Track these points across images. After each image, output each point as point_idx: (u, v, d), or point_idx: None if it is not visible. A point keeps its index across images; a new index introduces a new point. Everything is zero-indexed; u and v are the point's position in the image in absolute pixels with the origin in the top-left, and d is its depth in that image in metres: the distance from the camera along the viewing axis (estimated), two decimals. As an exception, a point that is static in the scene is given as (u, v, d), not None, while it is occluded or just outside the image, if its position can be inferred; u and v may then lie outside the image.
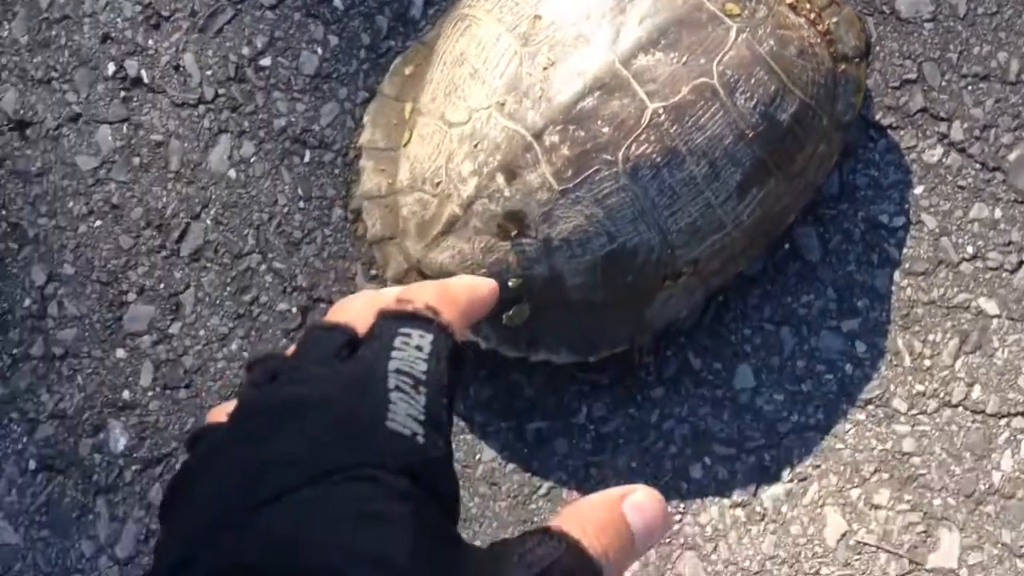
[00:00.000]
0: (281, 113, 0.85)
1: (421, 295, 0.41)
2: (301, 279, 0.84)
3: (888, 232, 0.79)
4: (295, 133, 0.85)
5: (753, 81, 0.64)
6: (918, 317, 0.78)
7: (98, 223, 0.86)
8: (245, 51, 0.86)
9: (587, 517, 0.41)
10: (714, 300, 0.76)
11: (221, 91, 0.86)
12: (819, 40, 0.67)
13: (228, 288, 0.85)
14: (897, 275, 0.78)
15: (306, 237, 0.85)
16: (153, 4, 0.87)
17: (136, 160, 0.86)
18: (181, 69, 0.86)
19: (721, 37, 0.63)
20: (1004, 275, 0.78)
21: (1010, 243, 0.78)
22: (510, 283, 0.67)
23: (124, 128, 0.87)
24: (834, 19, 0.68)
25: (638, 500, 0.42)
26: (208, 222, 0.85)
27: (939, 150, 0.79)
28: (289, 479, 0.36)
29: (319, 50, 0.85)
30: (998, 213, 0.78)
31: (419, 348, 0.40)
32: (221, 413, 0.40)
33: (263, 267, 0.85)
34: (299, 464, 0.36)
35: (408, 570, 0.34)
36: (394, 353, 0.40)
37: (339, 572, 0.34)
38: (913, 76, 0.79)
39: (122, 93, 0.87)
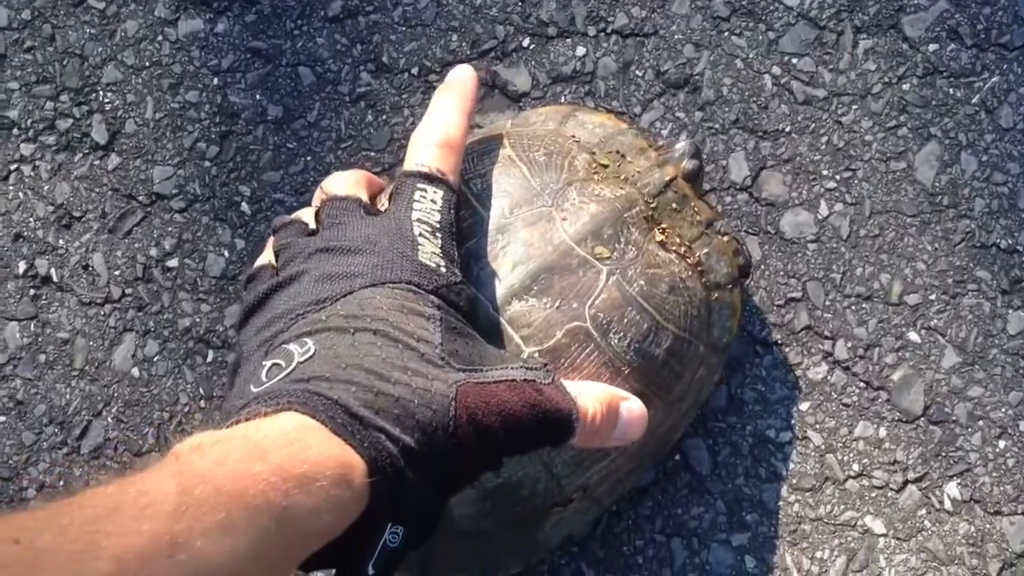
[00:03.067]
0: (186, 313, 0.90)
1: (428, 159, 0.60)
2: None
3: (775, 447, 0.83)
4: (199, 333, 0.89)
5: (625, 321, 0.68)
6: (806, 533, 0.81)
7: (2, 419, 0.90)
8: (153, 252, 0.90)
9: (593, 390, 0.59)
10: (605, 511, 0.80)
11: (128, 291, 0.90)
12: (690, 273, 0.71)
13: (128, 488, 0.88)
14: (784, 490, 0.82)
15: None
16: (65, 204, 0.92)
17: (42, 357, 0.90)
18: (90, 269, 0.91)
19: (592, 280, 0.67)
20: (889, 494, 0.81)
21: (895, 462, 0.81)
22: None
23: (32, 325, 0.91)
24: (704, 250, 0.73)
25: (632, 404, 0.62)
26: (109, 420, 0.89)
27: (824, 368, 0.83)
28: (354, 284, 0.53)
29: (226, 252, 0.90)
30: (883, 432, 0.82)
31: (433, 201, 0.59)
32: (264, 259, 0.61)
33: (163, 467, 0.88)
34: (360, 276, 0.54)
35: (440, 344, 0.52)
36: (415, 205, 0.58)
37: (387, 331, 0.51)
38: (798, 295, 0.84)
39: (31, 291, 0.91)
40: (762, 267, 0.85)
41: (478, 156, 0.72)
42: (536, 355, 0.66)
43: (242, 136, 0.90)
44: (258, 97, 0.91)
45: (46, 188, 0.92)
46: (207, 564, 0.40)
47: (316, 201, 0.64)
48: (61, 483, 0.88)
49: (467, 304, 0.59)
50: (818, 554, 0.81)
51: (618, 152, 0.74)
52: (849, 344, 0.84)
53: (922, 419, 0.82)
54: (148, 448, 0.88)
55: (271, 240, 0.65)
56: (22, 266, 0.92)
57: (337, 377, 0.50)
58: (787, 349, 0.84)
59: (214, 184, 0.91)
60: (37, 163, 0.93)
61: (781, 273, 0.85)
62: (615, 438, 0.62)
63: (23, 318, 0.91)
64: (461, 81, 0.67)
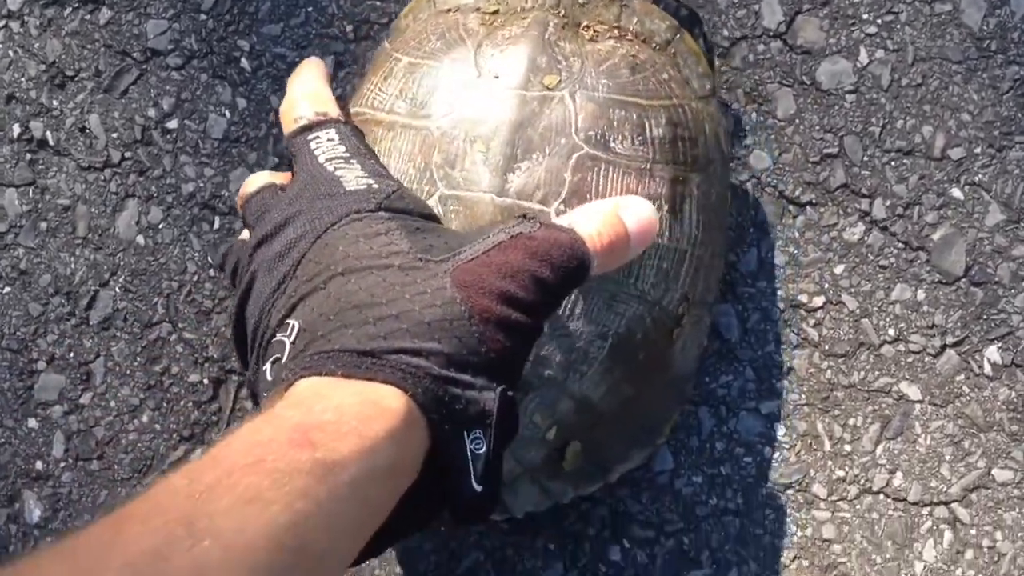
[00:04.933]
0: (189, 178, 0.88)
1: (303, 111, 0.61)
2: (212, 350, 0.87)
3: (807, 312, 0.81)
4: (204, 199, 0.88)
5: (616, 123, 0.66)
6: (838, 400, 0.81)
7: (7, 290, 0.90)
8: (151, 113, 0.88)
9: (588, 218, 0.57)
10: (715, 310, 0.79)
11: (128, 154, 0.89)
12: (636, 46, 0.69)
13: (138, 358, 0.88)
14: (816, 357, 0.81)
15: (217, 307, 0.88)
16: (57, 63, 0.89)
17: (43, 225, 0.89)
18: (87, 131, 0.89)
19: (561, 110, 0.66)
20: (927, 359, 0.80)
21: (933, 326, 0.80)
22: (549, 436, 0.70)
23: (31, 192, 0.90)
24: (633, 20, 0.71)
25: (631, 204, 0.59)
26: (117, 290, 0.89)
27: (860, 228, 0.81)
28: (302, 247, 0.54)
29: (227, 113, 0.88)
30: (921, 295, 0.80)
31: (331, 140, 0.60)
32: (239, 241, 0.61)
33: (173, 337, 0.88)
34: (302, 238, 0.54)
35: (410, 248, 0.52)
36: (316, 152, 0.59)
37: (355, 266, 0.52)
38: (834, 150, 0.81)
39: (28, 156, 0.90)
40: (796, 121, 0.82)
41: (382, 80, 0.71)
42: (562, 207, 0.65)
43: (239, -14, 0.87)
44: (254, -57, 0.87)
45: (36, 45, 0.90)
46: (232, 544, 0.39)
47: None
48: (71, 355, 0.88)
49: (416, 204, 0.58)
50: (851, 421, 0.81)
51: None
52: (888, 202, 0.81)
53: (963, 280, 0.81)
54: (159, 319, 0.88)
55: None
56: (16, 129, 0.90)
57: (330, 329, 0.50)
58: (822, 209, 0.82)
59: (211, 38, 0.88)
60: (26, 18, 0.90)
61: (817, 127, 0.82)
62: (635, 244, 0.60)
63: (21, 184, 0.90)
64: (309, 61, 0.67)
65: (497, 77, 0.67)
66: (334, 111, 0.63)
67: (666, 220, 0.69)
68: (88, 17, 0.90)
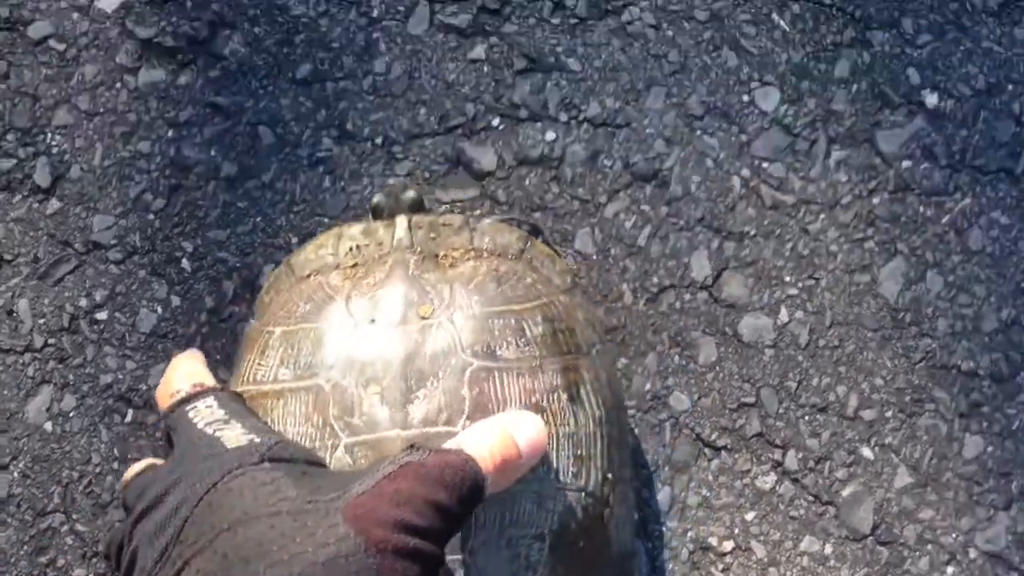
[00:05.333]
0: (109, 369, 0.94)
1: (180, 385, 0.66)
2: (103, 545, 0.90)
3: (716, 556, 0.87)
4: (120, 391, 0.93)
5: (496, 333, 0.71)
6: (741, 651, 0.85)
7: None
8: (83, 303, 0.95)
9: (477, 438, 0.61)
10: (638, 487, 0.83)
11: (51, 341, 0.95)
12: (494, 262, 0.76)
13: (25, 547, 0.91)
14: (722, 604, 0.86)
15: (114, 500, 0.91)
16: (-4, 245, 0.97)
17: (-50, 402, 0.94)
18: (14, 314, 0.95)
19: (443, 334, 0.71)
20: (831, 615, 0.86)
21: (839, 581, 0.86)
22: None
23: (-57, 367, 0.95)
24: (485, 239, 0.78)
25: (518, 419, 0.64)
26: (15, 474, 0.92)
27: (772, 477, 0.88)
28: (182, 513, 0.56)
29: (159, 309, 0.95)
30: (828, 549, 0.87)
31: (208, 406, 0.63)
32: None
33: (65, 528, 0.91)
34: (183, 504, 0.56)
35: (297, 495, 0.55)
36: (195, 421, 0.62)
37: (243, 520, 0.54)
38: (751, 400, 0.90)
39: (-52, 331, 0.95)
40: (717, 368, 0.91)
41: (259, 355, 0.76)
42: (468, 423, 0.69)
43: (192, 191, 0.96)
44: (213, 153, 0.97)
45: (-22, 226, 0.98)
46: None
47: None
48: (-47, 538, 0.91)
49: (301, 452, 0.61)
50: (753, 674, 0.85)
51: (354, 247, 0.80)
52: (800, 455, 0.89)
53: (870, 538, 0.88)
54: (53, 508, 0.92)
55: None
56: None
57: None
58: (736, 455, 0.89)
59: (156, 237, 0.96)
60: (-28, 201, 0.98)
61: (736, 376, 0.91)
62: (526, 458, 0.63)
63: (-65, 359, 0.95)
64: (188, 352, 0.73)
65: (374, 321, 0.73)
66: (210, 382, 0.66)
67: (568, 408, 0.73)
68: (36, 206, 0.98)
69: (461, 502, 0.57)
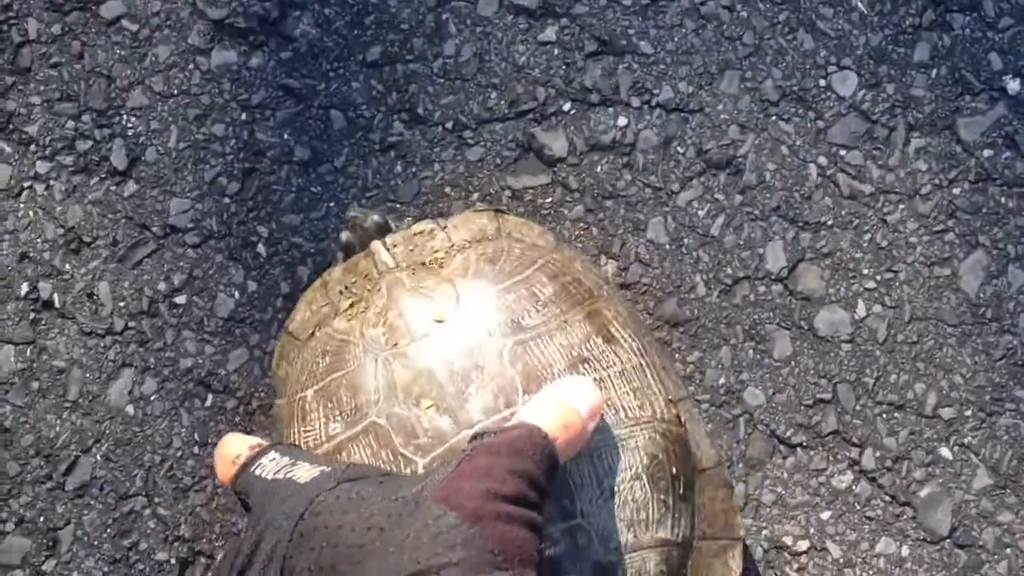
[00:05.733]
0: (189, 353, 0.89)
1: (238, 450, 0.63)
2: (185, 529, 0.86)
3: (792, 556, 0.81)
4: (200, 375, 0.88)
5: (514, 305, 0.70)
6: (814, 649, 0.80)
7: (-14, 445, 0.89)
8: (161, 287, 0.90)
9: (534, 409, 0.60)
10: None
11: (131, 324, 0.89)
12: (478, 247, 0.74)
13: (109, 529, 0.87)
14: (796, 602, 0.80)
15: (196, 484, 0.87)
16: (76, 228, 0.91)
17: (35, 384, 0.89)
18: (94, 297, 0.90)
19: (465, 327, 0.70)
20: (905, 616, 0.80)
21: (914, 582, 0.80)
22: None
23: (28, 350, 0.90)
24: (458, 233, 0.76)
25: (570, 385, 0.62)
26: (98, 457, 0.88)
27: (849, 476, 0.82)
28: (278, 551, 0.55)
29: (236, 294, 0.89)
30: (905, 551, 0.80)
31: (272, 459, 0.61)
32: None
33: (147, 511, 0.87)
34: (281, 540, 0.55)
35: (383, 497, 0.54)
36: (264, 475, 0.60)
37: (343, 528, 0.54)
38: (827, 396, 0.83)
39: (31, 315, 0.90)
40: (792, 363, 0.84)
41: (301, 421, 0.73)
42: (526, 398, 0.67)
43: (265, 175, 0.90)
44: (286, 137, 0.90)
45: (58, 209, 0.92)
46: None
47: None
48: (41, 519, 0.87)
49: (371, 470, 0.60)
50: (825, 672, 0.79)
51: (343, 288, 0.77)
52: (877, 454, 0.82)
53: (947, 541, 0.81)
54: (135, 491, 0.87)
55: None
56: (24, 288, 0.91)
57: None
58: (812, 452, 0.82)
59: (231, 222, 0.90)
60: (52, 182, 0.93)
61: (812, 372, 0.84)
62: (587, 417, 0.62)
63: (20, 342, 0.91)
64: (229, 433, 0.69)
65: (395, 345, 0.70)
66: (266, 442, 0.65)
67: (607, 349, 0.71)
68: (114, 188, 0.92)
69: (538, 466, 0.56)
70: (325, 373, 0.73)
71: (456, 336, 0.69)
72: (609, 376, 0.70)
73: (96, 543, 0.87)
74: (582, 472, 0.68)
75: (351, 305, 0.75)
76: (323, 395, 0.72)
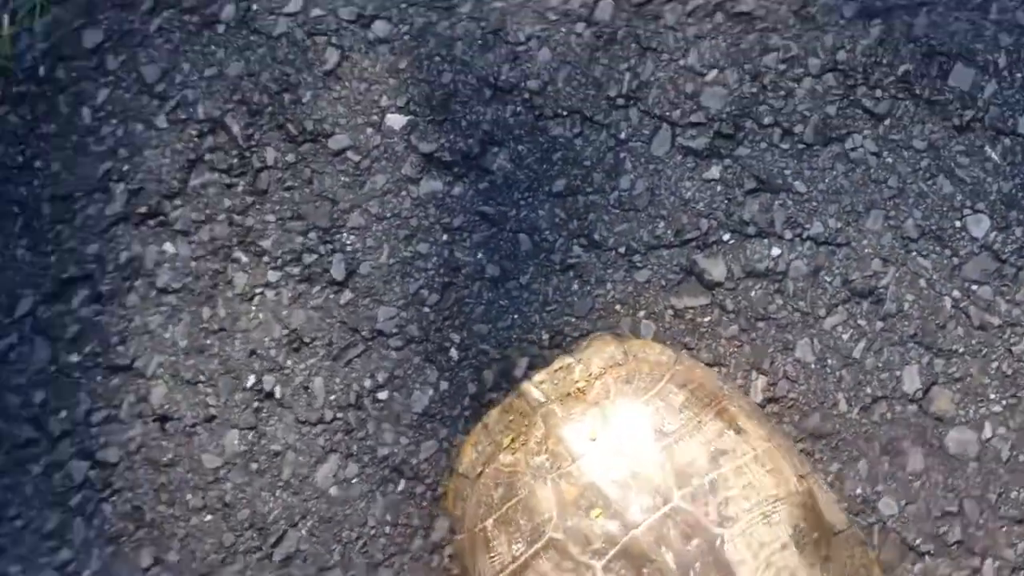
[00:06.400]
0: (386, 443, 1.07)
1: None
2: (376, 599, 1.03)
3: (914, 653, 0.93)
4: (395, 463, 1.06)
5: (655, 416, 0.86)
6: None
7: (208, 518, 1.09)
8: (367, 383, 1.09)
9: None
10: None
11: (339, 415, 1.08)
12: (614, 372, 0.89)
13: (310, 596, 1.05)
14: None
15: (387, 560, 1.04)
16: (298, 330, 1.11)
17: (254, 465, 1.09)
18: (309, 391, 1.10)
19: (617, 441, 0.85)
20: None
21: None
22: None
23: (250, 435, 1.10)
24: (594, 362, 0.91)
25: None
26: (303, 532, 1.06)
27: (971, 584, 0.93)
28: None
29: (430, 392, 1.07)
30: (1019, 656, 0.91)
31: None
32: None
33: (344, 581, 1.05)
34: None
35: None
36: None
37: None
38: (954, 509, 0.95)
39: (255, 404, 1.11)
40: (924, 478, 0.96)
41: (484, 549, 0.89)
42: (678, 489, 0.82)
43: (461, 289, 1.08)
44: (480, 256, 1.09)
45: (284, 313, 1.12)
46: None
47: None
48: (253, 581, 1.06)
49: None
50: None
51: (504, 427, 0.92)
52: (997, 564, 0.94)
53: (1060, 648, 0.91)
54: (333, 564, 1.05)
55: None
56: (251, 380, 1.11)
57: None
58: (939, 560, 0.94)
59: (429, 328, 1.09)
60: (280, 289, 1.13)
61: (941, 486, 0.96)
62: None
63: (244, 427, 1.10)
64: None
65: (559, 467, 0.84)
66: None
67: (738, 440, 0.84)
68: (332, 296, 1.12)
69: None
70: (501, 503, 0.87)
71: (610, 450, 0.83)
72: (746, 463, 0.83)
73: (298, 606, 1.05)
74: (738, 548, 0.80)
75: (512, 440, 0.89)
76: (502, 522, 0.86)
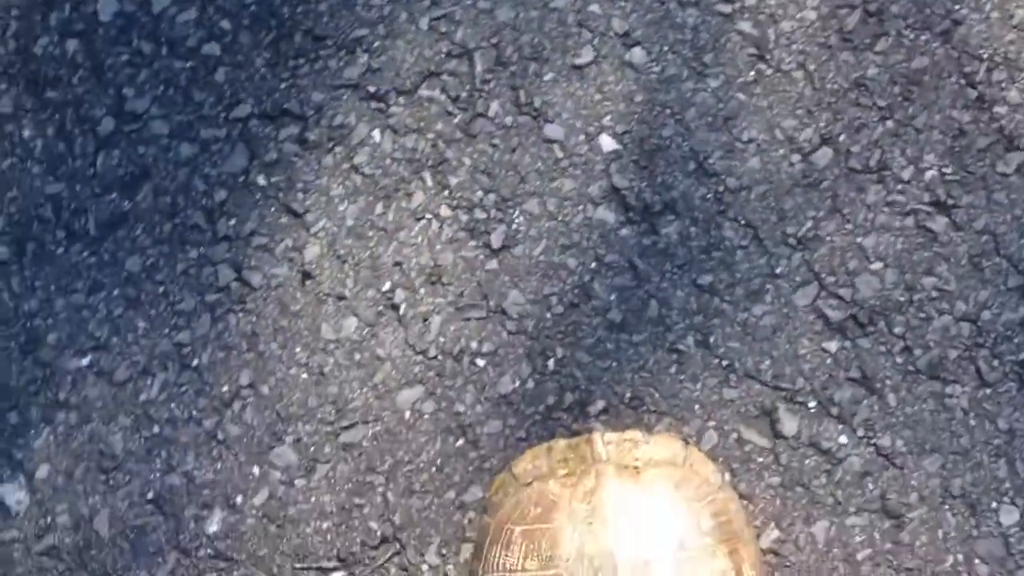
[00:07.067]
0: (465, 402, 1.22)
1: None
2: (399, 517, 1.22)
3: None
4: (464, 422, 1.22)
5: (683, 528, 0.98)
6: None
7: (305, 376, 1.24)
8: (473, 345, 1.22)
9: None
10: None
11: (440, 358, 1.21)
12: (668, 469, 1.03)
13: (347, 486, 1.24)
14: None
15: (420, 492, 1.20)
16: (441, 268, 1.25)
17: (357, 356, 1.24)
18: (427, 323, 1.24)
19: (646, 533, 0.97)
20: None
21: None
22: None
23: (366, 330, 1.25)
24: (658, 451, 1.04)
25: None
26: (369, 432, 1.22)
27: None
28: None
29: (517, 383, 1.22)
30: None
31: None
32: None
33: (384, 515, 1.24)
34: None
35: None
36: None
37: None
38: None
39: (380, 307, 1.24)
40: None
41: (504, 548, 1.02)
42: None
43: (583, 315, 1.20)
44: (611, 297, 1.21)
45: (438, 247, 1.24)
46: None
47: None
48: (311, 449, 1.25)
49: None
50: None
51: (564, 460, 1.02)
52: None
53: None
54: (380, 469, 1.24)
55: None
56: (387, 285, 1.24)
57: None
58: None
59: (542, 332, 1.21)
60: (445, 226, 1.25)
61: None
62: None
63: (363, 321, 1.25)
64: None
65: (592, 524, 0.97)
66: None
67: None
68: (482, 257, 1.25)
69: None
70: (534, 520, 1.01)
71: (636, 534, 0.97)
72: None
73: (338, 487, 1.24)
74: None
75: (567, 475, 1.03)
76: (528, 536, 1.01)
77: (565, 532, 0.98)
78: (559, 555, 0.98)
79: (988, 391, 1.10)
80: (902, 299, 1.13)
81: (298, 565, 1.16)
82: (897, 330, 1.13)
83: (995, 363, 1.11)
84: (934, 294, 1.14)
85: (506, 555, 1.02)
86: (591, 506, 0.99)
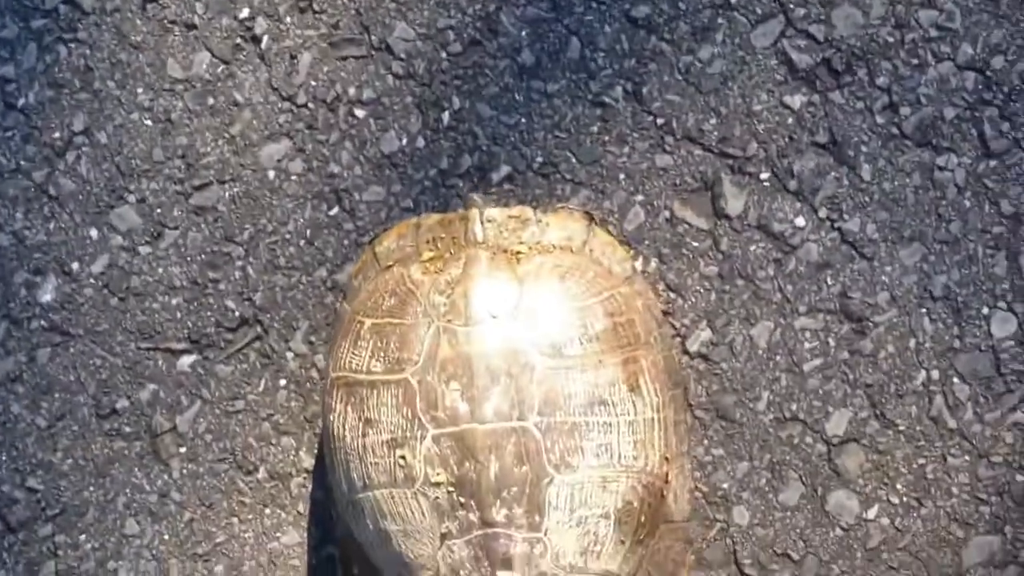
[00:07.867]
0: (341, 163, 1.00)
1: None
2: (260, 297, 1.01)
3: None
4: (338, 186, 1.00)
5: (563, 330, 0.82)
6: None
7: (149, 123, 1.02)
8: (352, 91, 0.99)
9: None
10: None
11: (311, 105, 0.99)
12: (558, 256, 0.85)
13: (204, 252, 1.02)
14: None
15: (286, 269, 1.00)
16: (313, -9, 1.00)
17: (211, 101, 1.01)
18: (295, 61, 1.01)
19: (514, 334, 0.80)
20: None
21: None
22: None
23: (220, 68, 1.02)
24: (549, 233, 0.86)
25: None
26: (226, 194, 1.01)
27: (768, 628, 0.93)
28: None
29: (404, 140, 0.98)
30: None
31: None
32: None
33: (239, 263, 1.02)
34: None
35: None
36: None
37: None
38: (796, 557, 0.90)
39: (238, 40, 1.01)
40: (787, 513, 0.91)
41: (352, 344, 0.86)
42: (538, 419, 0.80)
43: (487, 56, 0.97)
44: (523, 33, 0.97)
45: (307, -33, 1.01)
46: None
47: None
48: (158, 211, 1.02)
49: None
50: None
51: (432, 239, 0.87)
52: None
53: None
54: (239, 240, 1.01)
55: None
56: (245, 12, 1.02)
57: None
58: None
59: (436, 76, 0.98)
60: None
61: (796, 531, 0.91)
62: None
63: (218, 56, 1.02)
64: None
65: (450, 321, 0.80)
66: None
67: (628, 399, 0.81)
68: (362, -22, 0.99)
69: None
70: (386, 313, 0.83)
71: (502, 337, 0.79)
72: (619, 423, 0.80)
73: (190, 257, 1.02)
74: (560, 495, 0.79)
75: (432, 259, 0.85)
76: (377, 331, 0.83)
77: (418, 330, 0.81)
78: (407, 358, 0.81)
79: (992, 163, 0.89)
80: (890, 39, 0.91)
81: (143, 345, 1.01)
82: (881, 80, 0.90)
83: (1004, 127, 0.90)
84: (932, 33, 0.92)
85: (353, 353, 0.85)
86: (451, 300, 0.81)
